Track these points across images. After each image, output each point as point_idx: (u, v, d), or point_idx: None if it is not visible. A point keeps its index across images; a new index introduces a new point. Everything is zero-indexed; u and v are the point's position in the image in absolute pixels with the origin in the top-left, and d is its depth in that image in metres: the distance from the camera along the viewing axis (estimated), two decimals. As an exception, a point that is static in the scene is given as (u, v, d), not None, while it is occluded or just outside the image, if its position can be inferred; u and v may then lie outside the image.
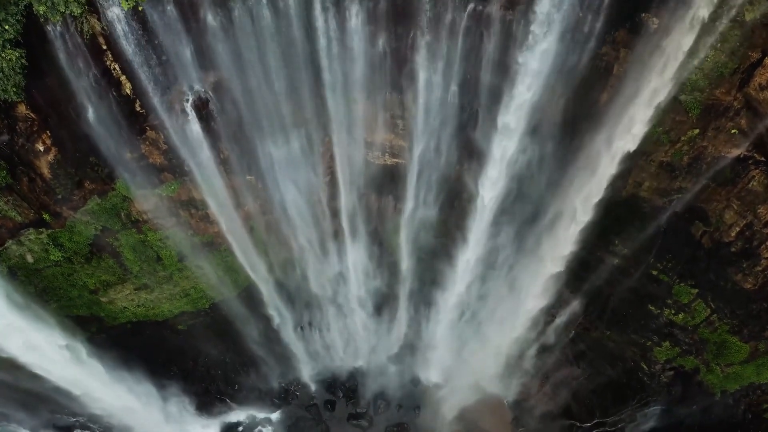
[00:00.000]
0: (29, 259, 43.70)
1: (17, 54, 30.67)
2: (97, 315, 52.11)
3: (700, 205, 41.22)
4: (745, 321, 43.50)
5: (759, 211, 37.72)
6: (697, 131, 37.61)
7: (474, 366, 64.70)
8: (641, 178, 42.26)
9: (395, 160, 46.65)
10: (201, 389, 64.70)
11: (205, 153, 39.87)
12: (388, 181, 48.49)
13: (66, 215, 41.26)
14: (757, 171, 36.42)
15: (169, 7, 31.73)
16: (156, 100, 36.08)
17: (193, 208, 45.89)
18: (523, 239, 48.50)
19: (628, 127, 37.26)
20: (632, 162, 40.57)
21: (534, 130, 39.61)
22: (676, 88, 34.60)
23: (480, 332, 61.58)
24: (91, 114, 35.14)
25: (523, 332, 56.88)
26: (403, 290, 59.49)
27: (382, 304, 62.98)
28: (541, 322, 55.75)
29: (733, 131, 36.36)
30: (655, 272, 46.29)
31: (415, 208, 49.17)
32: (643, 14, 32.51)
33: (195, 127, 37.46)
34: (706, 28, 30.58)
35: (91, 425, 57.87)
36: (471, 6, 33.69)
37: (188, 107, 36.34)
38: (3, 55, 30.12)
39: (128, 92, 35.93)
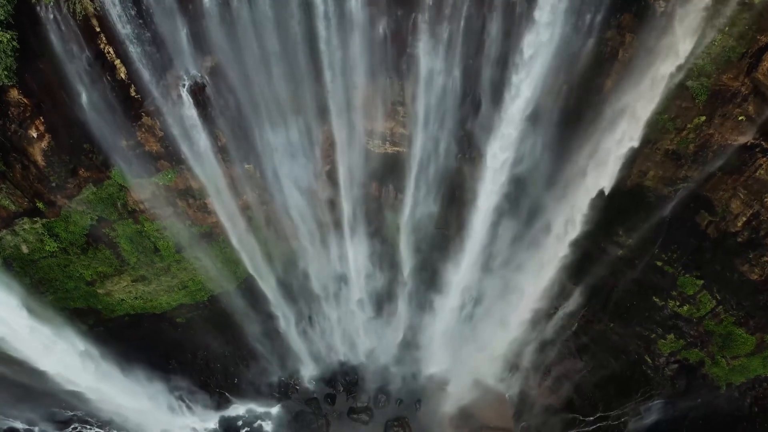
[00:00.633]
0: (24, 249, 43.01)
1: (8, 36, 29.93)
2: (95, 307, 51.39)
3: (705, 195, 40.56)
4: (751, 312, 42.75)
5: (766, 200, 37.10)
6: (703, 118, 36.85)
7: (475, 360, 64.05)
8: (646, 167, 41.58)
9: (396, 148, 45.94)
10: (200, 383, 64.08)
11: (202, 140, 39.15)
12: (388, 171, 47.79)
13: (60, 204, 40.52)
14: (765, 159, 35.78)
15: (164, -12, 30.98)
16: (151, 85, 35.42)
17: (190, 197, 45.16)
18: (526, 229, 47.55)
19: (633, 115, 36.21)
20: (637, 151, 39.73)
21: (537, 117, 38.78)
22: (683, 73, 33.72)
23: (481, 325, 60.74)
24: (84, 99, 34.39)
25: (525, 325, 55.99)
26: (404, 282, 58.90)
27: (383, 296, 62.43)
28: (544, 314, 54.86)
29: (740, 118, 35.67)
30: (659, 263, 45.55)
31: (416, 198, 48.52)
32: (650, -3, 31.59)
33: (191, 112, 36.75)
34: (714, 11, 30.04)
35: (89, 419, 57.09)
36: (473, -12, 32.93)
37: (184, 92, 35.63)
38: (-6, 37, 29.38)
39: (123, 77, 35.18)
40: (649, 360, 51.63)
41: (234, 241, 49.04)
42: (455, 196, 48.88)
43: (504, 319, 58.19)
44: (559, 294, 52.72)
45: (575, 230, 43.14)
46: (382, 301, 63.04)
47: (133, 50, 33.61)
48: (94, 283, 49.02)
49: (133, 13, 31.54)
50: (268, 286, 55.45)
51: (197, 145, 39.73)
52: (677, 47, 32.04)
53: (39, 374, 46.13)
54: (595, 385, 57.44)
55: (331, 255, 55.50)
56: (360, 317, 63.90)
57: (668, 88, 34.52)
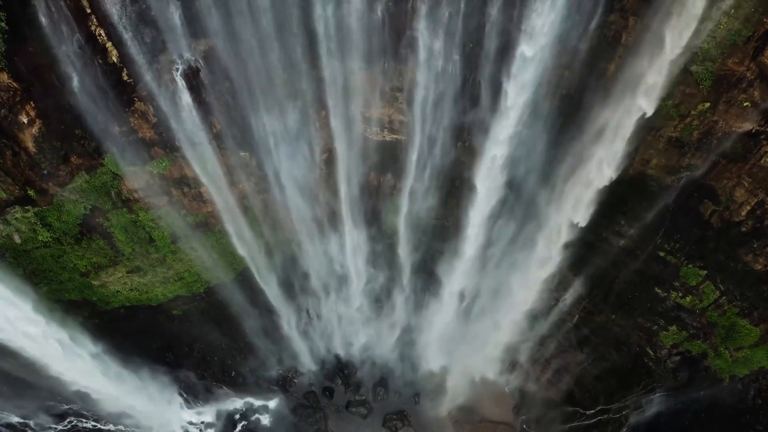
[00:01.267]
0: (16, 239, 42.25)
1: (-3, 17, 29.10)
2: (89, 299, 50.69)
3: (709, 183, 39.97)
4: (755, 303, 42.16)
5: (771, 188, 36.16)
6: (707, 105, 36.29)
7: (474, 352, 63.42)
8: (649, 155, 40.95)
9: (394, 136, 45.23)
10: (197, 376, 63.54)
11: (197, 126, 38.42)
12: (387, 159, 47.13)
13: (52, 192, 39.74)
14: (770, 146, 34.72)
15: (156, -32, 30.17)
16: (144, 68, 34.66)
17: (185, 186, 44.42)
18: (527, 219, 46.86)
19: (637, 100, 35.52)
20: (640, 138, 39.09)
21: (539, 102, 38.05)
22: (687, 57, 32.96)
23: (481, 317, 60.16)
24: (75, 83, 33.61)
25: (525, 317, 55.37)
26: (403, 274, 58.37)
27: (381, 287, 61.83)
28: (544, 306, 54.23)
29: (745, 104, 35.07)
30: (662, 253, 44.93)
31: (415, 188, 47.79)
32: (654, -22, 30.90)
33: (185, 97, 35.95)
34: (720, -8, 28.99)
35: (85, 412, 56.45)
36: (474, -31, 32.15)
37: (178, 76, 34.85)
38: (-19, 17, 28.56)
39: (114, 60, 34.40)
40: (650, 352, 51.06)
41: (230, 231, 48.23)
42: (455, 186, 48.14)
43: (503, 312, 57.50)
44: (559, 285, 51.98)
45: (579, 218, 42.10)
46: (380, 293, 62.49)
47: (125, 33, 32.82)
48: (89, 274, 48.26)
49: (124, -7, 30.70)
50: (264, 277, 54.79)
51: (192, 132, 38.95)
52: (681, 31, 31.03)
53: (35, 367, 45.21)
54: (596, 378, 56.94)
55: (329, 245, 54.85)
56: (358, 309, 63.20)
57: (672, 74, 33.45)
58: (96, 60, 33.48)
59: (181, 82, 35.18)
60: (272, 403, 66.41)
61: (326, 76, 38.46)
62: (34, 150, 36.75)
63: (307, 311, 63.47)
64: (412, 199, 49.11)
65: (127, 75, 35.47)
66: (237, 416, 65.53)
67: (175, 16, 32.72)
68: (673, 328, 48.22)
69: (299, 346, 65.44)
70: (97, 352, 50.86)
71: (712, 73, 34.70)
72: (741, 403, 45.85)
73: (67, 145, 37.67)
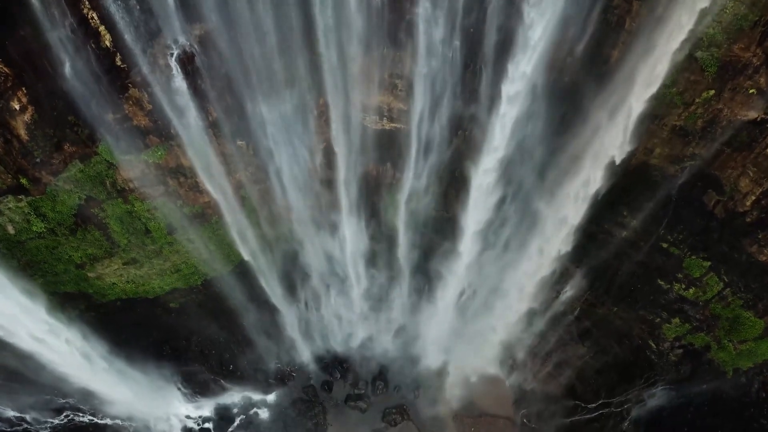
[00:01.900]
0: (10, 230, 41.65)
1: (-14, 0, 28.37)
2: (86, 292, 50.13)
3: (713, 173, 39.47)
4: (759, 295, 41.63)
5: (776, 178, 35.52)
6: (712, 92, 35.74)
7: (474, 346, 62.93)
8: (652, 144, 40.36)
9: (394, 124, 44.56)
10: (194, 369, 62.90)
11: (192, 114, 37.70)
12: (386, 148, 46.42)
13: (46, 181, 39.05)
14: (776, 135, 34.09)
15: (149, -51, 29.44)
16: (138, 53, 33.94)
17: (181, 175, 43.75)
18: (527, 209, 46.22)
19: (641, 87, 34.87)
20: (643, 127, 38.47)
21: (541, 90, 37.33)
22: (692, 43, 32.29)
23: (481, 310, 59.58)
24: (68, 68, 32.91)
25: (527, 309, 54.77)
26: (402, 267, 57.78)
27: (380, 281, 61.09)
28: (545, 298, 53.64)
29: (751, 91, 34.49)
30: (665, 245, 44.40)
31: (416, 178, 47.12)
32: (658, -39, 30.23)
33: (180, 83, 35.28)
34: (726, -25, 28.37)
35: (82, 406, 55.95)
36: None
37: (172, 62, 34.17)
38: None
39: (108, 44, 33.66)
40: (653, 345, 50.55)
41: (227, 221, 47.53)
42: (455, 176, 47.43)
43: (504, 304, 56.94)
44: (561, 278, 51.36)
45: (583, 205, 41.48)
46: (379, 286, 61.78)
47: (118, 16, 32.03)
48: (84, 266, 47.65)
49: (117, -25, 29.97)
50: (262, 269, 54.18)
51: (187, 120, 38.29)
52: (686, 15, 30.36)
53: (31, 361, 44.69)
54: (598, 371, 56.44)
55: (327, 237, 54.20)
56: (357, 302, 62.67)
57: (676, 60, 32.81)
58: (89, 44, 32.77)
59: (175, 68, 34.47)
60: (271, 397, 65.94)
61: (324, 62, 37.70)
62: (26, 137, 36.05)
63: (306, 304, 62.77)
64: (412, 189, 48.50)
65: (121, 60, 34.75)
66: (235, 410, 65.08)
67: (170, -1, 31.96)
68: (676, 320, 47.68)
69: (298, 339, 64.92)
70: (93, 345, 50.08)
71: (718, 59, 34.11)
72: (745, 397, 45.33)
73: (60, 132, 36.95)
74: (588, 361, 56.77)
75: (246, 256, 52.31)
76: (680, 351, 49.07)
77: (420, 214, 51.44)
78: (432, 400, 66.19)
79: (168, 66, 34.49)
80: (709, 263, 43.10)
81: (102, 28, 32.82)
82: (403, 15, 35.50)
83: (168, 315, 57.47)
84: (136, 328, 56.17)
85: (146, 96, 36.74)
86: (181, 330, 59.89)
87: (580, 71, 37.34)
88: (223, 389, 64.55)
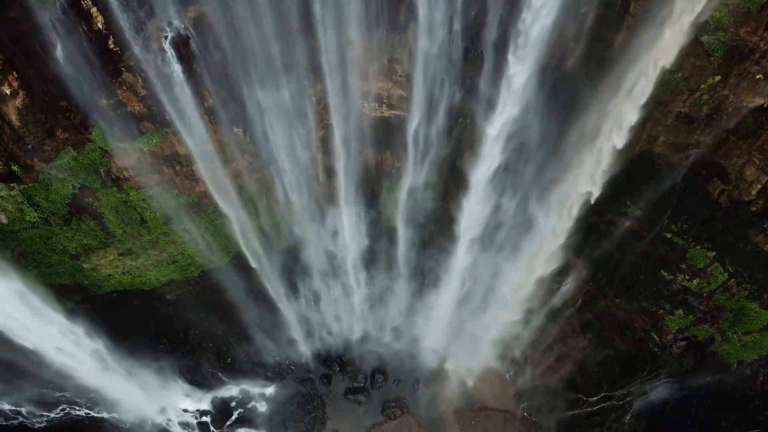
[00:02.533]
0: (3, 219, 41.03)
1: (-26, -21, 27.56)
2: (81, 283, 49.52)
3: (718, 161, 38.81)
4: (765, 285, 40.97)
5: (783, 166, 34.91)
6: (718, 78, 35.10)
7: (475, 339, 62.29)
8: (656, 131, 39.69)
9: (393, 111, 43.82)
10: (192, 363, 62.44)
11: (188, 100, 36.86)
12: (385, 136, 45.66)
13: (38, 168, 38.32)
14: (783, 122, 33.43)
15: (142, -74, 28.61)
16: (131, 36, 33.09)
17: (177, 164, 43.00)
18: (529, 200, 45.50)
19: (645, 73, 34.13)
20: (647, 113, 37.76)
21: (543, 75, 36.57)
22: (698, 27, 31.50)
23: (481, 303, 58.94)
24: (59, 51, 32.18)
25: (527, 302, 54.13)
26: (402, 258, 56.92)
27: (380, 273, 60.38)
28: (547, 290, 52.98)
29: (757, 77, 33.90)
30: (668, 235, 43.73)
31: (415, 167, 46.29)
32: (663, -58, 29.47)
33: (175, 67, 34.42)
34: (732, -43, 27.66)
35: (78, 400, 55.44)
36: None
37: (167, 45, 33.30)
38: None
39: (100, 26, 32.89)
40: (655, 337, 49.96)
41: (224, 211, 46.74)
42: (455, 165, 46.68)
43: (504, 297, 56.29)
44: (562, 269, 50.68)
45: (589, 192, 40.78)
46: (378, 278, 61.11)
47: (111, -4, 31.16)
48: (79, 257, 46.98)
49: (108, -47, 29.14)
50: (259, 261, 53.40)
51: (182, 106, 37.43)
52: (693, -1, 29.63)
53: (27, 354, 44.30)
54: (599, 364, 55.86)
55: (326, 227, 53.50)
56: (356, 294, 62.04)
57: (681, 45, 32.09)
58: (80, 26, 32.01)
59: (170, 51, 33.64)
60: (269, 391, 65.41)
61: (322, 46, 36.85)
62: (17, 123, 35.30)
63: (305, 296, 62.13)
64: (412, 178, 47.60)
65: (114, 43, 33.96)
66: (233, 404, 64.60)
67: (164, -21, 31.14)
68: (680, 312, 47.06)
69: (296, 331, 64.32)
70: (90, 337, 49.48)
71: (724, 43, 33.48)
72: (749, 389, 44.83)
73: (52, 117, 36.19)
74: (589, 354, 56.20)
75: (243, 247, 51.46)
76: (683, 343, 48.51)
77: (420, 204, 50.70)
78: (432, 393, 65.73)
79: (162, 49, 33.66)
80: (713, 253, 42.45)
81: (94, 10, 32.08)
82: (403, -4, 34.69)
83: (165, 307, 56.88)
84: (132, 321, 55.72)
85: (140, 81, 35.93)
86: (178, 322, 59.34)
87: (583, 56, 36.33)
88: (221, 383, 64.09)
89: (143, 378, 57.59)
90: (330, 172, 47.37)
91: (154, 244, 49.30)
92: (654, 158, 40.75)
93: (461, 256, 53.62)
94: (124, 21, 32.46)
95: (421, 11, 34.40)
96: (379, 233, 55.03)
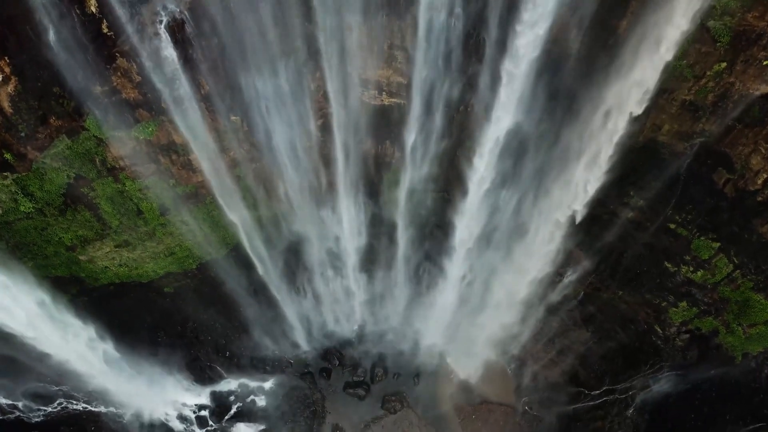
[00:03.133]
0: (-3, 209, 40.25)
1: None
2: (77, 275, 48.99)
3: (723, 150, 38.06)
4: (771, 277, 39.83)
5: (790, 155, 34.22)
6: (724, 65, 34.32)
7: (475, 332, 61.68)
8: (661, 120, 38.96)
9: (393, 100, 43.12)
10: (190, 356, 61.95)
11: (183, 86, 36.16)
12: (385, 125, 44.95)
13: (31, 157, 37.64)
14: (790, 111, 32.73)
15: None
16: (125, 20, 32.30)
17: (173, 153, 42.33)
18: (531, 189, 44.82)
19: (650, 59, 33.42)
20: (651, 102, 37.03)
21: (546, 62, 35.80)
22: (704, 12, 30.75)
23: (482, 296, 58.31)
24: (52, 36, 31.42)
25: (529, 294, 53.51)
26: (402, 250, 56.31)
27: (380, 265, 59.85)
28: (549, 282, 52.36)
29: (765, 63, 33.12)
30: (672, 226, 43.07)
31: (415, 157, 45.62)
32: None
33: (170, 53, 33.72)
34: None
35: (75, 394, 54.96)
36: None
37: (161, 29, 32.58)
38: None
39: (93, 10, 32.12)
40: (659, 330, 49.37)
41: (221, 202, 46.10)
42: (456, 155, 46.01)
43: (506, 289, 55.64)
44: (565, 260, 50.07)
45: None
46: (378, 270, 60.55)
47: (104, -21, 30.42)
48: (75, 249, 46.38)
49: (101, -66, 28.38)
50: (258, 253, 52.86)
51: (178, 93, 36.72)
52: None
53: (23, 347, 43.65)
54: (602, 357, 55.31)
55: (325, 219, 52.89)
56: (355, 287, 61.46)
57: (687, 30, 31.35)
58: (73, 10, 31.27)
59: (165, 36, 32.92)
60: (268, 384, 64.93)
61: (321, 31, 36.11)
62: (9, 110, 34.63)
63: (303, 288, 61.58)
64: (412, 169, 46.98)
65: (107, 27, 33.18)
66: (232, 398, 64.08)
67: (158, -39, 30.38)
68: (683, 304, 46.45)
69: (295, 325, 63.86)
70: (86, 330, 48.91)
71: (731, 28, 32.72)
72: (754, 382, 44.17)
73: (44, 104, 35.48)
74: (592, 347, 55.64)
75: (241, 239, 50.86)
76: (687, 336, 47.93)
77: (420, 195, 50.06)
78: (432, 387, 65.31)
79: (157, 34, 32.92)
80: (718, 244, 41.80)
81: (87, -8, 31.26)
82: (403, -21, 33.95)
83: (163, 300, 56.40)
84: (129, 314, 55.31)
85: (135, 67, 35.23)
86: (176, 316, 58.85)
87: (586, 42, 35.62)
88: (220, 376, 63.75)
89: (140, 371, 56.94)
90: (329, 161, 46.67)
91: (150, 236, 48.68)
92: (658, 147, 40.03)
93: (463, 246, 52.92)
94: (117, 4, 31.68)
95: (422, -5, 33.70)
96: (379, 224, 54.40)
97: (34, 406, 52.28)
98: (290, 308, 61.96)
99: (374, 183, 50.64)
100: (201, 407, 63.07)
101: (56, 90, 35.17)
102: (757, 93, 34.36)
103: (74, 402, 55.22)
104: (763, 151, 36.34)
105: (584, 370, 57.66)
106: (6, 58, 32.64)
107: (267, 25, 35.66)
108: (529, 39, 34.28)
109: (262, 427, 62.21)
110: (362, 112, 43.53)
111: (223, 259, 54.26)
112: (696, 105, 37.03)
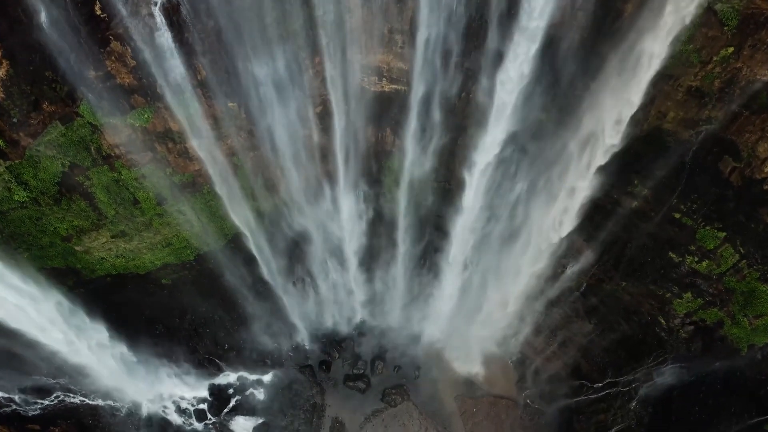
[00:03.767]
0: (-9, 198, 39.51)
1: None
2: (74, 267, 48.30)
3: (730, 138, 37.41)
4: (778, 267, 39.02)
5: (798, 143, 33.49)
6: (731, 49, 33.62)
7: (477, 324, 61.08)
8: (666, 107, 38.25)
9: (394, 86, 42.39)
10: (188, 349, 61.36)
11: (179, 71, 35.44)
12: (386, 112, 44.16)
13: (24, 143, 36.90)
14: (798, 97, 32.05)
15: None
16: (119, 1, 31.40)
17: (170, 141, 41.56)
18: (535, 178, 44.12)
19: (656, 44, 32.65)
20: (656, 88, 36.33)
21: (549, 48, 35.11)
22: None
23: (484, 288, 57.67)
24: (44, 17, 30.64)
25: (531, 285, 52.92)
26: (402, 241, 55.56)
27: (380, 256, 59.11)
28: (551, 274, 51.66)
29: (773, 47, 31.89)
30: (677, 215, 42.40)
31: (416, 145, 44.82)
32: None
33: (165, 36, 32.94)
34: None
35: (73, 387, 54.37)
36: None
37: (156, 11, 31.76)
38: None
39: (85, -10, 31.27)
40: (662, 321, 48.70)
41: (219, 192, 45.31)
42: (457, 144, 45.25)
43: (508, 280, 54.96)
44: (567, 251, 49.36)
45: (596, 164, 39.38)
46: (378, 261, 59.85)
47: (96, -42, 29.59)
48: (71, 239, 45.68)
49: None
50: (257, 244, 52.28)
51: (174, 78, 35.93)
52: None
53: (21, 339, 43.35)
54: (605, 350, 54.71)
55: (324, 209, 52.21)
56: (355, 279, 60.77)
57: (693, 13, 30.63)
58: (65, -10, 30.36)
59: (159, 18, 32.13)
60: (267, 377, 64.43)
61: (320, 14, 35.28)
62: (1, 95, 33.97)
63: (302, 280, 60.89)
64: (413, 158, 46.18)
65: (100, 9, 32.40)
66: (230, 391, 63.53)
67: (151, -61, 29.57)
68: (688, 295, 45.83)
69: (295, 317, 63.29)
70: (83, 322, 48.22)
71: (738, 11, 31.98)
72: (760, 374, 43.50)
73: (37, 89, 34.71)
74: (594, 339, 55.01)
75: (239, 229, 50.18)
76: (691, 327, 47.29)
77: (421, 185, 49.32)
78: (433, 380, 64.72)
79: (151, 16, 32.08)
80: (724, 234, 41.20)
81: (79, -28, 30.46)
82: (404, -40, 33.13)
83: (160, 291, 55.75)
84: (127, 306, 54.66)
85: (129, 50, 34.45)
86: (174, 308, 58.35)
87: (590, 27, 34.88)
88: (219, 369, 63.18)
89: (138, 364, 56.35)
90: (328, 149, 45.90)
91: (147, 226, 48.00)
92: (663, 135, 39.38)
93: (464, 237, 52.23)
94: (110, -15, 30.88)
95: (423, -23, 32.91)
96: (379, 212, 53.66)
97: (31, 399, 51.61)
98: (289, 300, 61.51)
99: (374, 171, 49.84)
100: (199, 400, 62.61)
101: (49, 74, 34.39)
102: (765, 79, 33.72)
103: (71, 395, 54.73)
104: (771, 138, 35.46)
105: (587, 362, 57.05)
106: (-3, 41, 31.75)
107: (264, 7, 34.91)
108: (531, 24, 33.41)
109: (261, 420, 61.62)
110: (362, 98, 42.73)
111: (222, 251, 53.66)
112: (702, 91, 36.33)
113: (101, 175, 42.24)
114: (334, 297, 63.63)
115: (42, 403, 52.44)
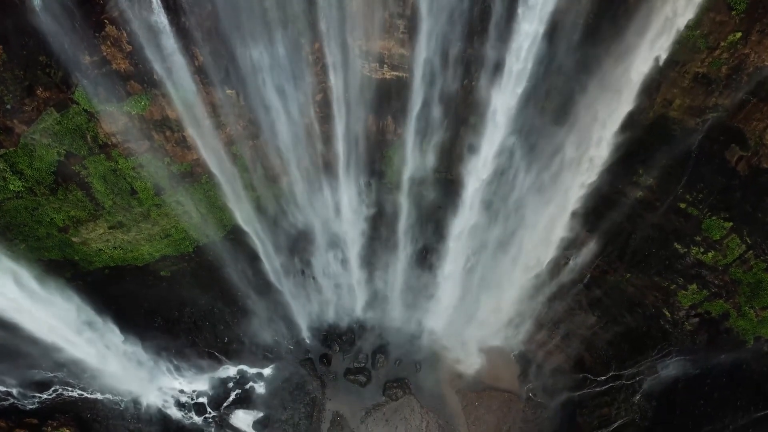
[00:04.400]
0: (-14, 188, 38.86)
1: None
2: (71, 258, 47.67)
3: (737, 126, 36.88)
4: (785, 258, 38.54)
5: (806, 130, 32.91)
6: (739, 35, 33.08)
7: (479, 317, 60.53)
8: (672, 94, 37.61)
9: (395, 73, 41.68)
10: (188, 342, 60.78)
11: (177, 57, 34.74)
12: (387, 100, 43.48)
13: (19, 131, 36.20)
14: (807, 84, 31.47)
15: None
16: (113, -17, 30.66)
17: (167, 129, 40.88)
18: (538, 165, 43.45)
19: (662, 28, 31.97)
20: (662, 75, 35.62)
21: (554, 32, 34.40)
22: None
23: (485, 280, 57.07)
24: (37, 0, 29.66)
25: (533, 277, 52.29)
26: (403, 232, 54.87)
27: (381, 247, 58.42)
28: (554, 265, 51.04)
29: (782, 33, 31.23)
30: (683, 205, 41.83)
31: (418, 134, 44.14)
32: None
33: (162, 20, 32.18)
34: None
35: (71, 380, 53.86)
36: None
37: (152, -6, 30.98)
38: None
39: (79, -29, 30.56)
40: (667, 313, 48.13)
41: (218, 181, 44.64)
42: (459, 134, 44.54)
43: (509, 273, 54.35)
44: (571, 243, 48.70)
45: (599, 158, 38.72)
46: (379, 253, 59.18)
47: (90, -62, 28.85)
48: (68, 230, 45.04)
49: None
50: (256, 235, 51.71)
51: (171, 64, 35.20)
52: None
53: (18, 333, 42.93)
54: (608, 342, 54.17)
55: (324, 199, 51.52)
56: (356, 271, 60.18)
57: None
58: (58, -29, 29.64)
59: (156, 2, 31.28)
60: (267, 371, 63.97)
61: (320, -1, 34.61)
62: (-6, 81, 33.08)
63: (303, 272, 60.29)
64: (415, 147, 45.43)
65: (95, -10, 31.66)
66: (230, 384, 63.15)
67: None
68: (693, 287, 45.33)
69: (295, 310, 62.82)
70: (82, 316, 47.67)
71: (747, -5, 30.98)
72: (766, 367, 42.86)
73: (31, 74, 33.97)
74: (598, 332, 54.48)
75: (239, 221, 49.51)
76: (696, 319, 46.78)
77: (421, 175, 48.62)
78: (434, 374, 64.40)
79: (147, -2, 31.37)
80: (730, 224, 40.72)
81: (72, -48, 29.73)
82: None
83: (159, 284, 55.21)
84: (125, 299, 53.97)
85: (125, 35, 33.72)
86: (173, 300, 57.83)
87: (595, 10, 34.17)
88: (218, 363, 62.71)
89: (136, 358, 56.02)
90: (328, 138, 45.20)
91: (145, 217, 47.36)
92: (669, 123, 38.84)
93: (466, 228, 51.63)
94: (105, -35, 30.14)
95: (425, -42, 32.17)
96: (380, 203, 52.92)
97: (29, 393, 51.12)
98: (290, 292, 61.10)
99: (375, 161, 49.15)
100: (199, 394, 62.23)
101: (42, 59, 33.67)
102: (773, 65, 32.73)
103: (70, 389, 54.20)
104: (778, 126, 34.81)
105: (590, 355, 56.49)
106: (-11, 24, 31.04)
107: (264, -10, 34.12)
108: (537, 5, 32.67)
109: (261, 414, 61.16)
110: (363, 86, 42.02)
111: (221, 242, 53.03)
112: (709, 78, 35.75)
113: (98, 164, 41.56)
114: (335, 290, 63.29)
115: (40, 397, 52.07)
